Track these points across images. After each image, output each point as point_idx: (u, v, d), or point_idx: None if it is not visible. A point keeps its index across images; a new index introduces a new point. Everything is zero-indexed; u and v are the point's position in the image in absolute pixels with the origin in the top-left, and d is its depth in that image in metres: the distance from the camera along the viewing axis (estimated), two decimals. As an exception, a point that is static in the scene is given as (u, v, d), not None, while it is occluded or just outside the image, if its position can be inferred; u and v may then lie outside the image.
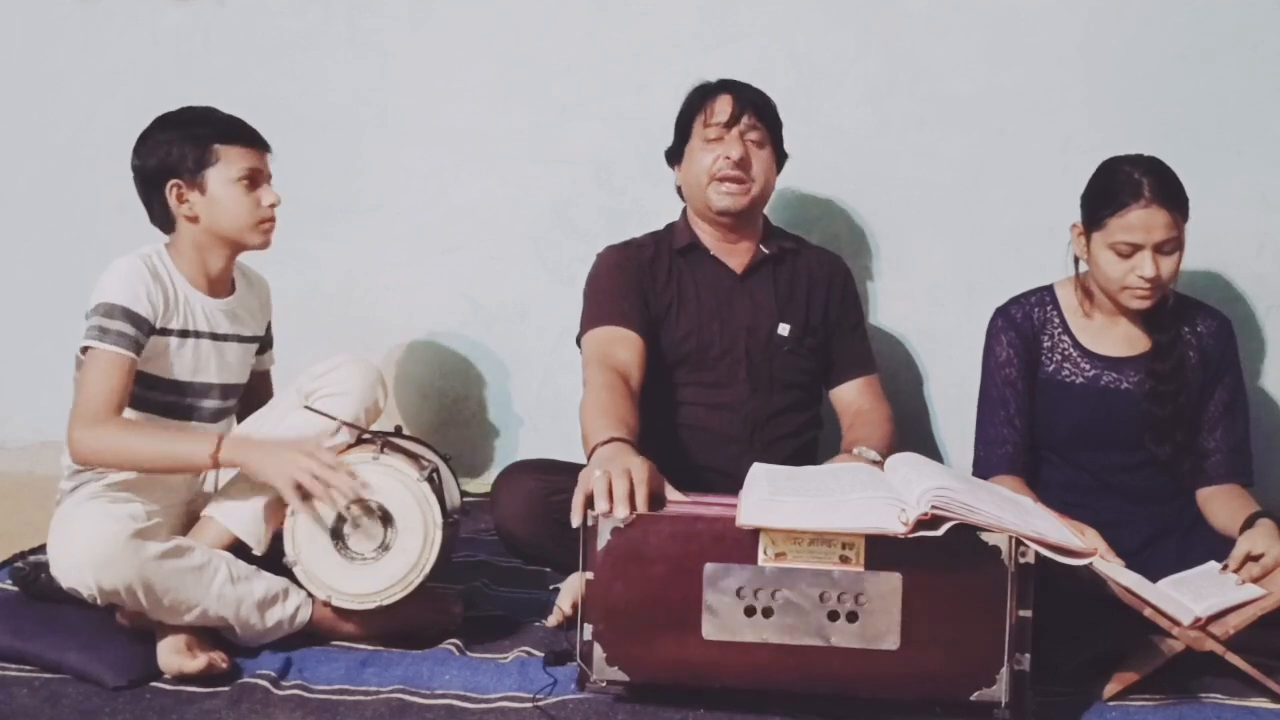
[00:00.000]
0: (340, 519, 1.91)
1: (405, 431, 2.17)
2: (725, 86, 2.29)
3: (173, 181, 2.03)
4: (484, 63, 2.82)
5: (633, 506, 1.70)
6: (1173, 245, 2.08)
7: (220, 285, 2.13)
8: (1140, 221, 2.06)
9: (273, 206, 2.08)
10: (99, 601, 1.82)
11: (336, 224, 2.89)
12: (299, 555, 1.91)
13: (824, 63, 2.71)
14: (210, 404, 2.12)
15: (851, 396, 2.35)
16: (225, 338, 2.13)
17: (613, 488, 1.70)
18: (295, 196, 2.75)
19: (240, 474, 2.02)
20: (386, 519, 1.92)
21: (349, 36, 2.85)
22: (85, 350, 1.96)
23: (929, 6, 2.67)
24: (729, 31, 2.73)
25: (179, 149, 2.03)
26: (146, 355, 2.01)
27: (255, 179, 2.07)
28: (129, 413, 2.03)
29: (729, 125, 2.24)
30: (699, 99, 2.30)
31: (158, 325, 2.01)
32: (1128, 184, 2.07)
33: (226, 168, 2.04)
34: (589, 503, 1.71)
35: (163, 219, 2.08)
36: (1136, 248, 2.07)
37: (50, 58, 2.94)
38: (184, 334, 2.06)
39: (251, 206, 2.06)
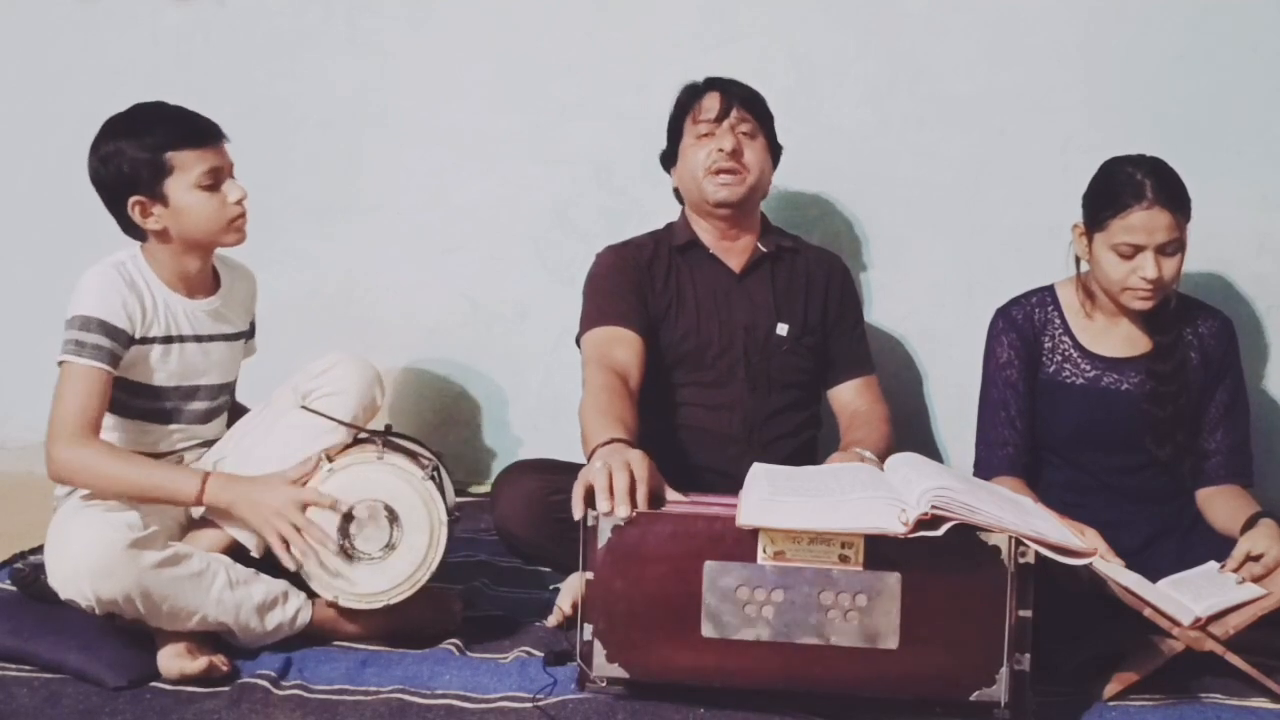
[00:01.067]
0: (346, 519, 1.91)
1: (398, 430, 2.16)
2: (712, 84, 2.30)
3: (134, 199, 1.96)
4: (484, 63, 2.82)
5: (633, 504, 1.70)
6: (1175, 246, 2.08)
7: (200, 285, 2.09)
8: (1142, 223, 2.05)
9: (240, 202, 2.01)
10: (97, 611, 1.81)
11: (336, 224, 2.89)
12: (304, 556, 1.91)
13: (824, 63, 2.71)
14: (198, 405, 2.11)
15: (849, 397, 2.35)
16: (210, 338, 2.10)
17: (613, 482, 1.70)
18: (295, 196, 2.76)
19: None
20: (392, 518, 1.92)
21: (349, 36, 2.85)
22: (61, 364, 1.93)
23: (929, 6, 2.67)
24: (729, 31, 2.73)
25: (131, 162, 1.95)
26: (130, 363, 1.98)
27: (217, 178, 1.99)
28: (117, 420, 2.03)
29: (719, 120, 2.25)
30: (688, 98, 2.31)
31: (137, 335, 1.98)
32: (1130, 185, 2.07)
33: (184, 174, 1.96)
34: (589, 496, 1.71)
35: (132, 230, 2.03)
36: (1138, 249, 2.07)
37: (50, 58, 2.93)
38: (168, 340, 2.03)
39: (218, 207, 1.99)
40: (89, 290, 1.96)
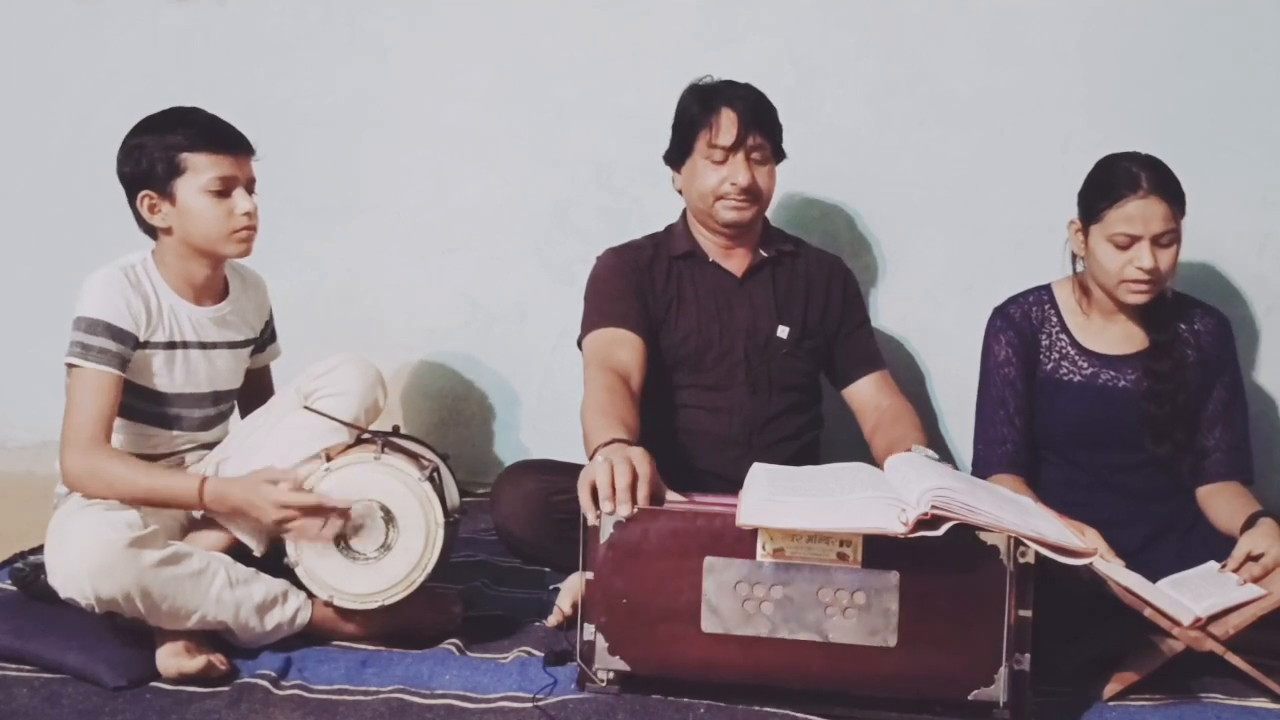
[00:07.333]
0: (341, 519, 1.91)
1: (403, 431, 2.17)
2: (726, 98, 2.22)
3: (143, 192, 1.98)
4: (484, 63, 2.82)
5: (634, 501, 1.71)
6: (1170, 238, 2.09)
7: (208, 293, 2.09)
8: (1139, 212, 2.06)
9: (248, 215, 2.00)
10: (97, 610, 1.81)
11: (336, 224, 2.89)
12: (300, 556, 1.91)
13: (824, 63, 2.71)
14: (201, 413, 2.11)
15: (868, 393, 2.34)
16: (214, 346, 2.09)
17: (615, 478, 1.71)
18: (295, 196, 2.76)
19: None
20: (389, 518, 1.92)
21: (349, 36, 2.85)
22: (69, 367, 1.94)
23: (929, 6, 2.67)
24: (729, 31, 2.73)
25: (148, 158, 1.97)
26: (135, 368, 1.98)
27: (227, 186, 1.99)
28: (121, 422, 2.02)
29: (734, 148, 2.20)
30: (701, 113, 2.23)
31: (141, 338, 1.98)
32: (1125, 176, 2.09)
33: (195, 177, 1.97)
34: (593, 493, 1.72)
35: (144, 227, 2.04)
36: (1135, 239, 2.08)
37: (50, 58, 2.94)
38: (170, 346, 2.03)
39: (223, 216, 1.99)
40: (94, 292, 1.96)
